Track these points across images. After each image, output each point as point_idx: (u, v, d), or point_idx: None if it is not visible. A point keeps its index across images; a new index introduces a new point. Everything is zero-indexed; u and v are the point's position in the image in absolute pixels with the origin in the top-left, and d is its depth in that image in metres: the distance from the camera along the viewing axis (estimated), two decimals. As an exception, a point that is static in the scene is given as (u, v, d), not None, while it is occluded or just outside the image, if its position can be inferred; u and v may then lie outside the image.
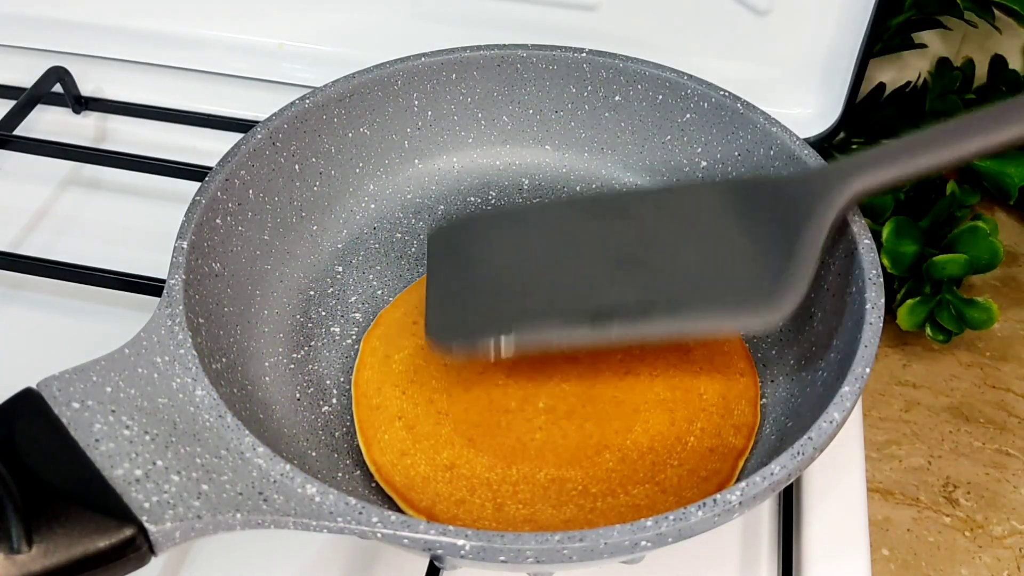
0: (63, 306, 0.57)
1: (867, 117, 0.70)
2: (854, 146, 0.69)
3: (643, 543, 0.35)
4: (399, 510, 0.43)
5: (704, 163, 0.56)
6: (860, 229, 0.46)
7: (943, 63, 0.71)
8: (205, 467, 0.37)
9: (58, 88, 0.69)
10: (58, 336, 0.55)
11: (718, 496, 0.36)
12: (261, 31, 0.70)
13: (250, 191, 0.50)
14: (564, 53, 0.57)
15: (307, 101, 0.53)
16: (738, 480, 0.43)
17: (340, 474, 0.45)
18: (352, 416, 0.47)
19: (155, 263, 0.51)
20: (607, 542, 0.34)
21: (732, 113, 0.54)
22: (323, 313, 0.52)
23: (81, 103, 0.70)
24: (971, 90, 0.72)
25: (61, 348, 0.50)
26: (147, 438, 0.37)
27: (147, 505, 0.34)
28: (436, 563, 0.43)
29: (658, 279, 0.46)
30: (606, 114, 0.58)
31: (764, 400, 0.48)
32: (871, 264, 0.45)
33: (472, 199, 0.58)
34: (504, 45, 0.57)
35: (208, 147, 0.62)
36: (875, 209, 0.63)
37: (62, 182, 0.65)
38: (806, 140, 0.51)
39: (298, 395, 0.48)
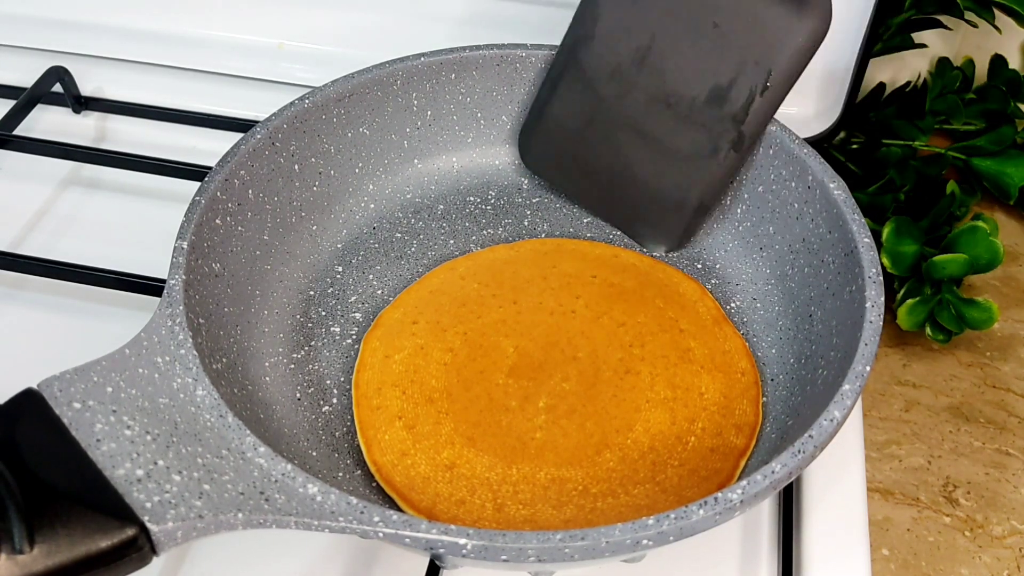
0: (63, 306, 0.57)
1: (867, 117, 0.70)
2: (854, 145, 0.69)
3: (644, 541, 0.35)
4: (399, 510, 0.43)
5: (704, 163, 0.56)
6: (859, 228, 0.46)
7: (943, 63, 0.71)
8: (206, 467, 0.37)
9: (58, 88, 0.69)
10: (58, 336, 0.55)
11: (719, 494, 0.36)
12: (261, 31, 0.70)
13: (250, 191, 0.50)
14: (564, 53, 0.57)
15: (306, 101, 0.53)
16: (739, 480, 0.43)
17: (341, 474, 0.45)
18: (352, 416, 0.47)
19: (155, 263, 0.51)
20: (608, 540, 0.34)
21: (732, 113, 0.54)
22: (323, 313, 0.52)
23: (81, 103, 0.70)
24: (971, 90, 0.72)
25: (61, 348, 0.51)
26: (148, 438, 0.37)
27: (149, 505, 0.34)
28: (437, 562, 0.43)
29: None
30: (606, 114, 0.58)
31: (764, 399, 0.48)
32: (871, 262, 0.45)
33: (472, 199, 0.58)
34: (503, 45, 0.57)
35: (208, 147, 0.62)
36: (875, 209, 0.64)
37: (62, 182, 0.65)
38: (806, 140, 0.51)
39: (298, 395, 0.48)
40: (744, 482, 0.36)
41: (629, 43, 0.53)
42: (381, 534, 0.35)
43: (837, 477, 0.48)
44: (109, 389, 0.38)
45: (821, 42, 0.48)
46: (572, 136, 0.55)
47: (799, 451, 0.37)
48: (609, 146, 0.54)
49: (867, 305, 0.43)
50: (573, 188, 0.56)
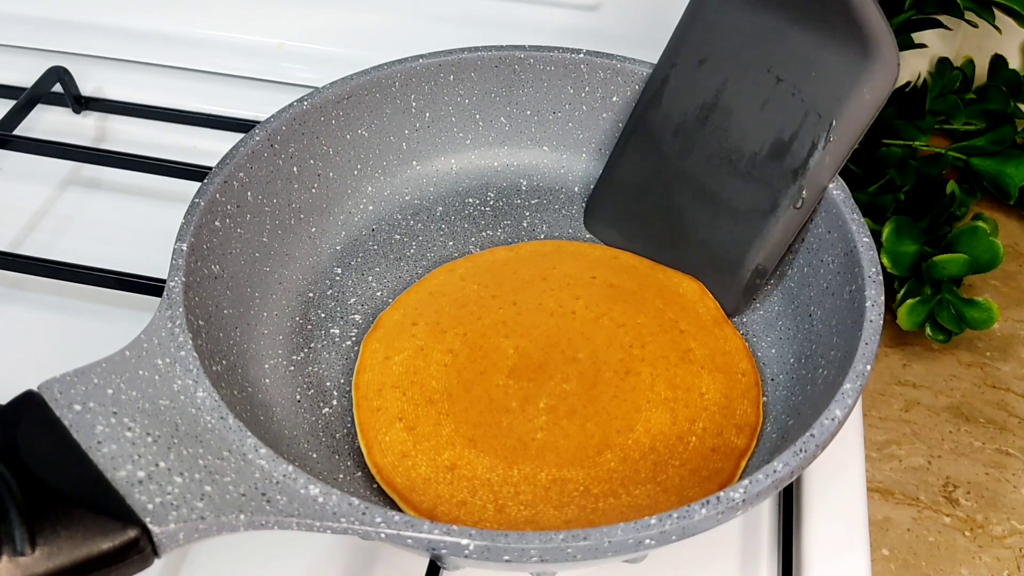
0: (63, 306, 0.57)
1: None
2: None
3: (647, 541, 0.35)
4: (401, 512, 0.43)
5: (704, 163, 0.56)
6: (858, 227, 0.46)
7: (943, 63, 0.71)
8: (208, 468, 0.37)
9: (58, 88, 0.69)
10: (58, 336, 0.55)
11: (722, 494, 0.36)
12: (261, 31, 0.70)
13: (248, 193, 0.50)
14: (562, 54, 0.57)
15: (305, 103, 0.53)
16: (740, 479, 0.43)
17: (342, 476, 0.45)
18: (353, 418, 0.47)
19: (155, 263, 0.51)
20: (611, 540, 0.34)
21: (732, 113, 0.54)
22: (322, 315, 0.52)
23: (81, 103, 0.70)
24: (971, 90, 0.72)
25: (61, 348, 0.51)
26: (149, 440, 0.37)
27: (150, 507, 0.34)
28: (438, 563, 0.43)
29: None
30: (604, 115, 0.58)
31: (765, 399, 0.48)
32: (870, 262, 0.45)
33: (470, 200, 0.58)
34: (502, 46, 0.57)
35: (208, 147, 0.62)
36: (875, 209, 0.64)
37: (62, 182, 0.65)
38: (806, 140, 0.51)
39: (298, 397, 0.48)
40: (746, 481, 0.36)
41: (694, 101, 0.52)
42: (383, 535, 0.35)
43: (837, 477, 0.48)
44: (110, 391, 0.38)
45: (890, 91, 0.46)
46: (634, 195, 0.54)
47: (801, 450, 0.37)
48: (669, 206, 0.53)
49: (867, 304, 0.43)
50: (633, 250, 0.55)
